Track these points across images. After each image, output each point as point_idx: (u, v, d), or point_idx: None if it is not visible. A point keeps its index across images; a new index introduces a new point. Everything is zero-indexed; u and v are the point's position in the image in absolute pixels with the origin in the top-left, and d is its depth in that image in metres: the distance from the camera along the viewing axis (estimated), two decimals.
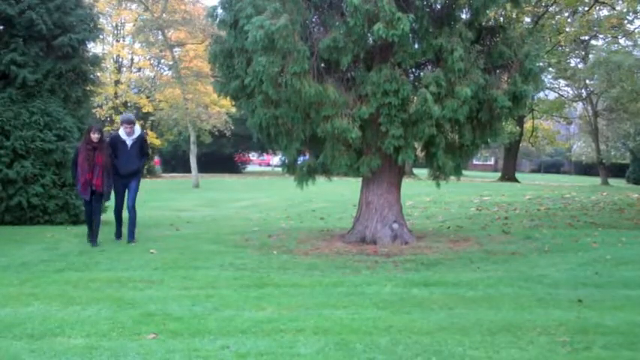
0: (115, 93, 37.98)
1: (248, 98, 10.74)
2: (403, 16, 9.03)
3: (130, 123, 10.77)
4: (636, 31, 30.42)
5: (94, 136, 10.24)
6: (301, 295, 6.91)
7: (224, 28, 10.86)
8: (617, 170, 47.59)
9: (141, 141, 10.90)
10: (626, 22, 27.97)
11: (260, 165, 65.25)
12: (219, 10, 10.93)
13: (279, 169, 12.09)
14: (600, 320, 5.71)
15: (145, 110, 38.20)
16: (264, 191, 26.63)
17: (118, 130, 11.52)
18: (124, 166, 10.69)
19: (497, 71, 10.51)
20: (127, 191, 10.91)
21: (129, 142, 10.73)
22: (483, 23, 10.75)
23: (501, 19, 11.24)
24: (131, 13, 38.12)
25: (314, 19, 10.59)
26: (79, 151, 10.35)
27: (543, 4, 24.77)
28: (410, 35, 9.76)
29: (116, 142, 10.74)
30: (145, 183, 33.80)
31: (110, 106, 37.17)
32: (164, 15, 32.56)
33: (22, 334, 5.33)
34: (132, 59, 42.06)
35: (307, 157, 11.79)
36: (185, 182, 32.67)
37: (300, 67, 9.28)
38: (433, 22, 10.12)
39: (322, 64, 10.11)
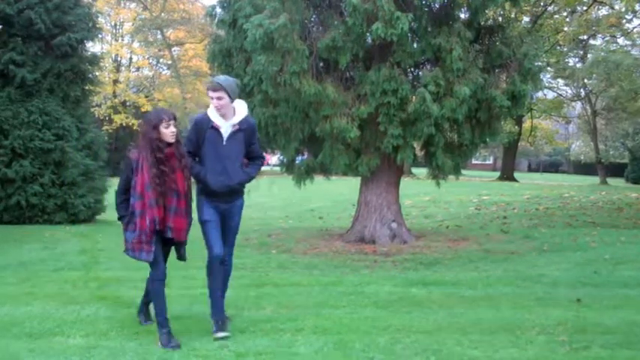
0: (114, 92, 37.99)
1: (247, 97, 10.73)
2: (402, 15, 9.02)
3: (217, 90, 5.39)
4: (635, 30, 30.48)
5: (169, 131, 5.15)
6: (300, 294, 6.91)
7: (223, 27, 10.86)
8: (616, 169, 47.53)
9: (249, 130, 5.67)
10: (624, 21, 28.03)
11: None
12: (218, 10, 10.94)
13: (278, 168, 12.09)
14: (599, 319, 5.71)
15: (143, 110, 38.18)
16: (263, 191, 26.60)
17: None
18: (219, 178, 5.51)
19: (496, 71, 10.51)
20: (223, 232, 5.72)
21: (225, 130, 5.51)
22: (482, 23, 10.74)
23: (500, 18, 11.25)
24: (130, 12, 38.16)
25: (313, 19, 10.59)
26: (135, 165, 5.18)
27: (542, 4, 24.83)
28: (409, 35, 9.77)
29: (202, 129, 5.54)
30: None
31: (109, 105, 37.19)
32: (163, 14, 32.63)
33: (21, 334, 5.32)
34: (130, 58, 42.08)
35: (306, 156, 11.78)
36: None
37: (299, 66, 9.27)
38: (432, 22, 10.12)
39: (321, 64, 10.11)
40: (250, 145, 5.71)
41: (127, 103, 39.17)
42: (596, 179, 40.50)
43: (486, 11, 10.53)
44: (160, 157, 5.12)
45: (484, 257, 9.34)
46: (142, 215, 5.11)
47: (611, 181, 38.74)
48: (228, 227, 5.72)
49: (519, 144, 43.76)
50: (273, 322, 5.69)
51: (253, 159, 5.83)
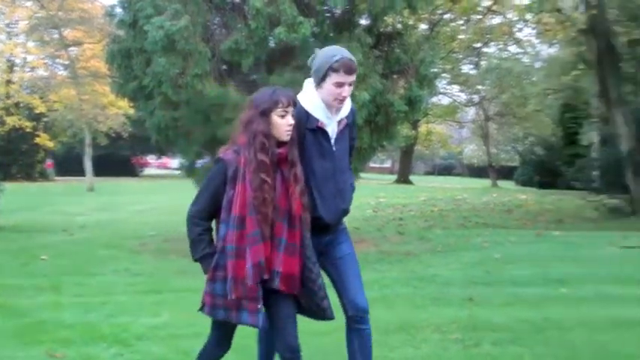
0: (7, 93, 36.52)
1: (147, 99, 10.54)
2: (304, 20, 9.11)
3: (354, 73, 3.58)
4: (525, 38, 31.83)
5: (285, 123, 3.32)
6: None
7: (123, 27, 10.62)
8: (507, 172, 49.44)
9: (353, 122, 3.88)
10: (515, 30, 29.18)
11: (159, 168, 63.78)
12: (118, 10, 10.70)
13: (179, 172, 11.93)
14: (490, 317, 5.91)
15: (37, 111, 36.82)
16: (163, 194, 26.13)
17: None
18: (333, 203, 3.64)
19: (395, 76, 10.74)
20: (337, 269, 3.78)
21: (332, 129, 3.69)
22: (382, 29, 10.96)
23: (399, 25, 11.48)
24: (25, 11, 36.65)
25: (216, 21, 10.52)
26: (232, 172, 3.27)
27: (439, 12, 25.54)
28: (311, 39, 9.85)
29: (300, 131, 3.53)
30: (37, 187, 32.64)
31: (1, 106, 35.68)
32: (60, 13, 31.56)
33: None
34: (25, 58, 40.47)
35: (207, 159, 11.67)
36: (79, 186, 31.64)
37: (201, 68, 9.20)
38: (334, 27, 10.25)
39: (224, 66, 10.06)
40: (351, 141, 3.89)
41: (21, 105, 37.64)
42: (488, 182, 42.04)
43: (386, 18, 10.74)
44: (268, 162, 3.25)
45: (381, 258, 9.53)
46: (238, 254, 3.19)
47: (501, 183, 40.34)
48: (342, 258, 3.75)
49: (415, 148, 44.91)
50: (169, 327, 5.63)
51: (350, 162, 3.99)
